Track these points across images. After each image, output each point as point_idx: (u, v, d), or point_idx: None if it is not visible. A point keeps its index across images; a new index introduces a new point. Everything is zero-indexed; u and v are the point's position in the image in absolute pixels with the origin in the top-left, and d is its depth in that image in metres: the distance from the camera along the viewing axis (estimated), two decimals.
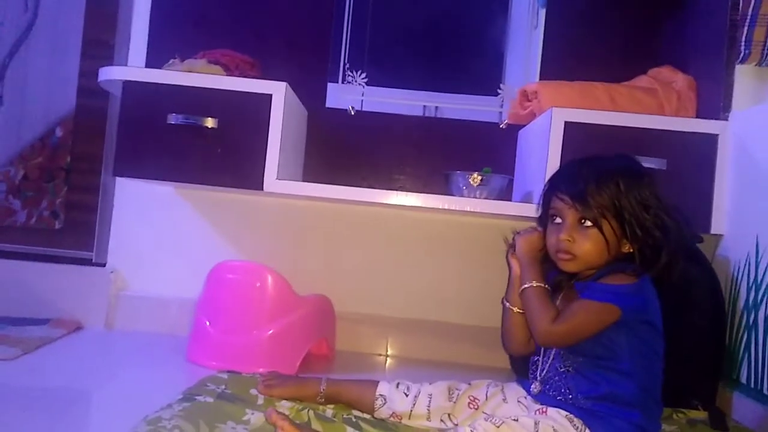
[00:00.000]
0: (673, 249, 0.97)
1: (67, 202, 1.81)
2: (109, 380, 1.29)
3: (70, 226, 1.81)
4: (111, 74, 1.48)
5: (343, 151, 1.79)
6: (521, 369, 1.19)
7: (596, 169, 1.00)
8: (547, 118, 1.43)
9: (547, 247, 1.04)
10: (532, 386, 1.03)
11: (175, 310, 1.70)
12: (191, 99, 1.42)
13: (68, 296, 1.70)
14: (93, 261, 1.77)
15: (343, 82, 1.84)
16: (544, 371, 1.02)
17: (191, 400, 1.05)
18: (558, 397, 0.98)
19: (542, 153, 1.43)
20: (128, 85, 1.45)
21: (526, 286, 1.04)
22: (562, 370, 1.00)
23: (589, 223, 0.98)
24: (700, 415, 1.22)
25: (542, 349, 1.04)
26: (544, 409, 0.97)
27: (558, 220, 1.01)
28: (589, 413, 0.94)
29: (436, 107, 1.88)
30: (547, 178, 1.10)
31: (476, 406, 1.06)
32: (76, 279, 1.72)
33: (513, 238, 1.11)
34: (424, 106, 1.89)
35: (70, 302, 1.70)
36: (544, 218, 1.06)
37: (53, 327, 1.59)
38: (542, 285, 1.03)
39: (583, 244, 0.98)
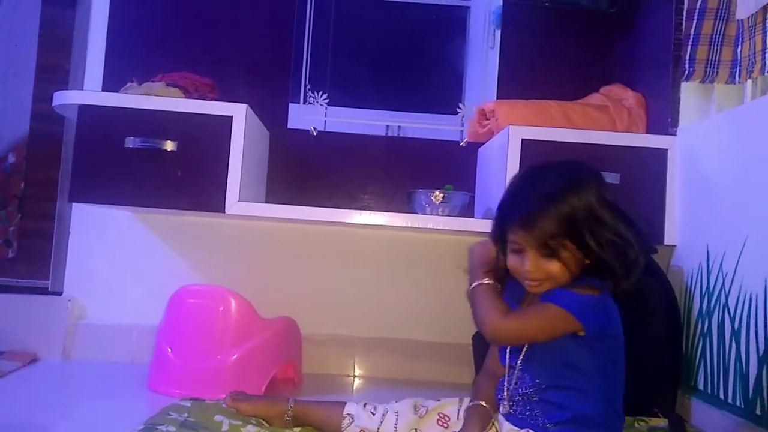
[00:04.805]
0: (634, 254, 0.95)
1: (21, 230, 1.76)
2: (67, 413, 1.25)
3: (25, 255, 1.75)
4: (66, 98, 1.45)
5: (306, 171, 1.79)
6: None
7: (544, 195, 0.95)
8: (505, 135, 1.47)
9: (512, 271, 1.01)
10: (501, 406, 1.02)
11: (135, 338, 1.66)
12: (149, 122, 1.41)
13: (23, 327, 1.64)
14: (49, 290, 1.72)
15: (304, 103, 1.85)
16: (510, 390, 1.01)
17: (153, 430, 1.03)
18: (530, 421, 0.98)
19: (501, 170, 1.46)
20: (84, 110, 1.43)
21: (474, 284, 1.02)
22: (529, 391, 0.98)
23: (551, 254, 0.95)
24: (661, 422, 1.25)
25: (506, 368, 1.02)
26: None
27: (517, 247, 0.98)
28: None
29: (399, 127, 1.91)
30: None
31: (446, 425, 1.05)
32: (32, 309, 1.66)
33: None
34: (387, 126, 1.91)
35: (25, 333, 1.64)
36: (500, 239, 1.02)
37: (7, 359, 1.53)
38: (491, 282, 1.02)
39: (549, 268, 0.96)
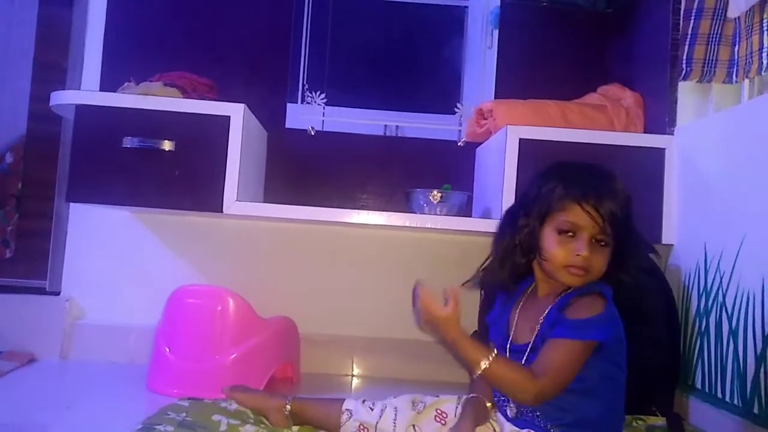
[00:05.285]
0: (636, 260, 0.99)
1: (19, 230, 1.75)
2: (65, 413, 1.24)
3: (22, 255, 1.74)
4: (63, 98, 1.45)
5: (304, 171, 1.79)
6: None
7: (613, 177, 0.97)
8: (503, 135, 1.47)
9: (552, 257, 0.97)
10: (508, 410, 1.02)
11: (133, 338, 1.65)
12: (147, 122, 1.41)
13: (21, 327, 1.63)
14: (47, 290, 1.71)
15: (302, 103, 1.85)
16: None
17: (151, 430, 1.03)
18: (533, 422, 0.98)
19: (499, 169, 1.46)
20: (81, 109, 1.42)
21: (483, 366, 0.92)
22: None
23: (605, 241, 0.95)
24: (659, 420, 1.25)
25: None
26: None
27: (570, 227, 0.95)
28: None
29: (397, 126, 1.91)
30: (557, 177, 0.99)
31: (444, 422, 1.05)
32: (29, 309, 1.66)
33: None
34: (385, 126, 1.91)
35: (22, 333, 1.63)
36: (539, 222, 0.98)
37: (5, 360, 1.53)
38: (494, 352, 0.93)
39: (598, 261, 0.95)
